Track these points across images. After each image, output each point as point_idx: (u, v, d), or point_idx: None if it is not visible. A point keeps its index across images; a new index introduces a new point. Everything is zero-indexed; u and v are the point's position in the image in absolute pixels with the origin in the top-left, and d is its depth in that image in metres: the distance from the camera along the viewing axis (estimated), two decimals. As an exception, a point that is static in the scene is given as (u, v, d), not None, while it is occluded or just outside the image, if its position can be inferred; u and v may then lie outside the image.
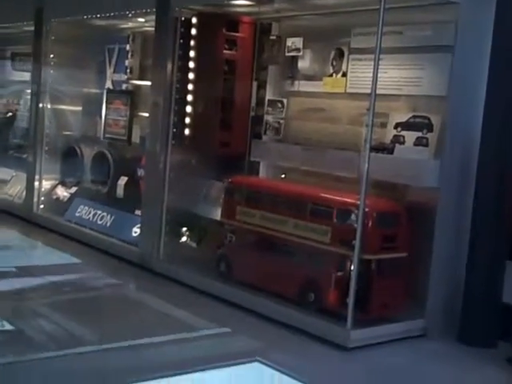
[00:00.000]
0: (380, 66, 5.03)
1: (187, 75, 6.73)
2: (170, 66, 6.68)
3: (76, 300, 5.97)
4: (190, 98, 6.73)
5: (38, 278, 6.24)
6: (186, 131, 6.76)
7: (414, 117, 5.62)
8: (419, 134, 5.54)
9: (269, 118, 6.78)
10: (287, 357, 4.71)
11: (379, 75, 5.03)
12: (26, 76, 9.50)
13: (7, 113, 10.46)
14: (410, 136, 5.59)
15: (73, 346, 4.65)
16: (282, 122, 6.69)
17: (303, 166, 6.27)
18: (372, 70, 5.02)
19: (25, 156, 9.18)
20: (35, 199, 8.76)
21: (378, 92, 5.02)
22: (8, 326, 4.97)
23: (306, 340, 5.07)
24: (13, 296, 5.81)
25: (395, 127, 5.71)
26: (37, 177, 8.80)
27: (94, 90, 8.83)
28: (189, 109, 6.74)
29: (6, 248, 7.46)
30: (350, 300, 4.99)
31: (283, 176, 6.69)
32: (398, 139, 5.67)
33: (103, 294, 6.23)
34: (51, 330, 5.07)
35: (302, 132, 6.57)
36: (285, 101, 6.70)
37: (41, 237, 8.05)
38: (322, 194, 5.64)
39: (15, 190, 9.43)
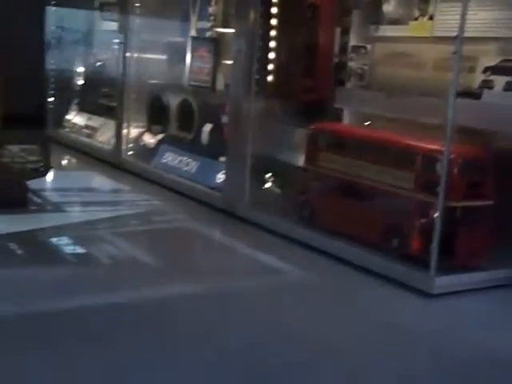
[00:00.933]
0: (469, 8, 4.83)
1: (270, 21, 6.65)
2: (252, 13, 6.60)
3: (157, 239, 6.16)
4: (273, 44, 6.67)
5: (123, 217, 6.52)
6: (269, 78, 6.72)
7: (505, 60, 5.39)
8: (509, 78, 5.31)
9: (352, 64, 6.65)
10: (371, 302, 4.73)
11: (468, 17, 4.83)
12: (114, 26, 9.61)
13: (97, 62, 10.66)
14: (500, 81, 5.37)
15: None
16: (365, 68, 6.55)
17: (387, 113, 6.14)
18: (460, 12, 4.83)
19: (114, 104, 9.39)
20: (123, 146, 8.96)
21: (466, 35, 4.83)
22: (79, 250, 5.34)
23: (388, 285, 5.05)
24: (95, 226, 6.13)
25: (484, 71, 5.50)
26: (125, 124, 8.98)
27: (178, 39, 8.86)
28: (272, 55, 6.68)
29: (94, 191, 7.75)
30: (434, 247, 4.92)
31: (368, 123, 6.58)
32: (486, 84, 5.46)
33: (187, 236, 6.36)
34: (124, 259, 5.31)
35: (387, 78, 6.41)
36: (369, 46, 6.55)
37: (128, 182, 8.26)
38: (407, 141, 5.53)
39: (105, 137, 9.66)
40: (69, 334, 3.84)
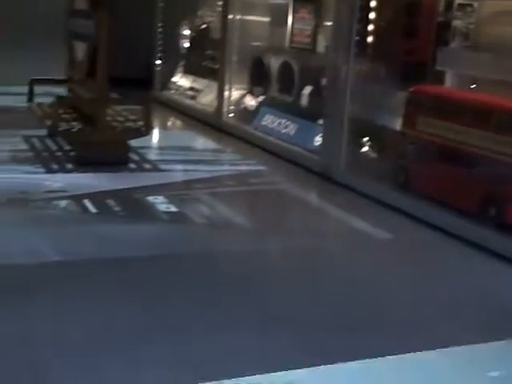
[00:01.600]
0: None
1: (371, -20, 6.42)
2: (353, -28, 6.40)
3: (252, 200, 6.18)
4: (373, 4, 6.44)
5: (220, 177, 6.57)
6: (369, 39, 6.51)
7: None
8: None
9: (457, 23, 6.31)
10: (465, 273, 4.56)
11: None
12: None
13: (201, 25, 10.71)
14: None
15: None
16: (471, 27, 6.20)
17: (494, 76, 5.80)
18: None
19: (217, 66, 9.42)
20: (225, 108, 9.00)
21: None
22: (173, 209, 5.37)
23: (482, 255, 4.83)
24: (193, 186, 6.22)
25: None
26: (227, 86, 9.01)
27: (280, 0, 8.74)
28: (372, 15, 6.46)
29: (193, 151, 7.84)
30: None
31: (473, 86, 6.26)
32: None
33: (281, 198, 6.32)
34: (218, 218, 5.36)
35: (495, 38, 6.05)
36: (476, 4, 6.18)
37: (228, 144, 8.30)
38: (512, 105, 5.22)
39: (208, 99, 9.73)
40: (161, 280, 3.99)
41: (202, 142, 8.50)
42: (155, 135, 7.92)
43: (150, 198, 5.65)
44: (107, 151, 6.52)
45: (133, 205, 5.62)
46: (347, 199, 6.15)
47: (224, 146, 8.29)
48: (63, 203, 5.44)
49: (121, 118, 7.04)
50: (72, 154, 6.72)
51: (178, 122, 9.71)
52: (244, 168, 7.15)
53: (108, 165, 6.43)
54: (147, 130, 6.85)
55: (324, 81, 7.45)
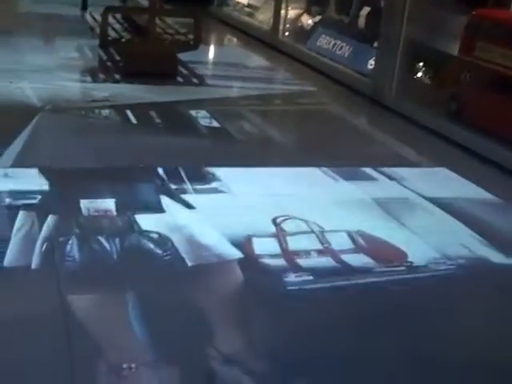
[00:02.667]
0: None
1: None
2: None
3: (297, 120, 6.01)
4: None
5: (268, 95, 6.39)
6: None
7: None
8: None
9: None
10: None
11: None
12: None
13: None
14: None
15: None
16: None
17: None
18: None
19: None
20: (281, 27, 8.72)
21: None
22: (215, 124, 5.28)
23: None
24: (238, 102, 6.12)
25: None
26: (283, 5, 8.70)
27: None
28: None
29: (244, 68, 7.64)
30: None
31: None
32: None
33: (328, 119, 6.12)
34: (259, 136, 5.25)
35: None
36: None
37: (282, 63, 8.07)
38: None
39: (264, 16, 9.45)
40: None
41: (255, 60, 8.29)
42: (208, 50, 7.74)
43: (193, 112, 5.55)
44: (155, 63, 6.39)
45: (174, 118, 5.54)
46: (395, 124, 5.91)
47: (277, 64, 8.07)
48: (106, 112, 5.40)
49: (171, 31, 6.89)
50: (121, 65, 6.63)
51: (234, 39, 9.48)
52: (294, 88, 6.96)
53: (155, 77, 6.31)
54: (196, 44, 6.69)
55: (382, 2, 7.10)
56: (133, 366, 2.40)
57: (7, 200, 3.69)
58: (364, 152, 5.17)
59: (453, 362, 2.55)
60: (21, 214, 3.53)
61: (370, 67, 6.92)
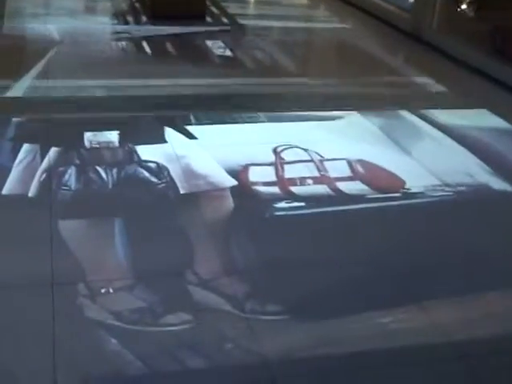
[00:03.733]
0: None
1: None
2: None
3: (330, 54, 5.98)
4: None
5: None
6: None
7: None
8: None
9: None
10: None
11: None
12: None
13: None
14: None
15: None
16: None
17: None
18: None
19: None
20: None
21: None
22: (228, 53, 5.40)
23: None
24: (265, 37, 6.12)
25: None
26: None
27: None
28: None
29: (281, 6, 7.60)
30: None
31: None
32: None
33: (364, 54, 6.04)
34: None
35: None
36: None
37: (321, 1, 7.99)
38: None
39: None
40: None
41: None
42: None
43: (209, 43, 5.64)
44: (183, 3, 6.43)
45: (190, 48, 5.63)
46: (432, 62, 5.77)
47: (316, 2, 7.97)
48: (123, 44, 5.58)
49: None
50: (147, 6, 6.70)
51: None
52: (330, 25, 6.90)
53: (183, 18, 6.37)
54: None
55: None
56: (111, 290, 2.53)
57: (13, 132, 3.90)
58: (397, 93, 5.08)
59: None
60: (25, 146, 3.71)
61: (410, 0, 6.78)
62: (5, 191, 3.22)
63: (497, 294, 2.50)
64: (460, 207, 3.13)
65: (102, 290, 2.51)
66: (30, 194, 3.21)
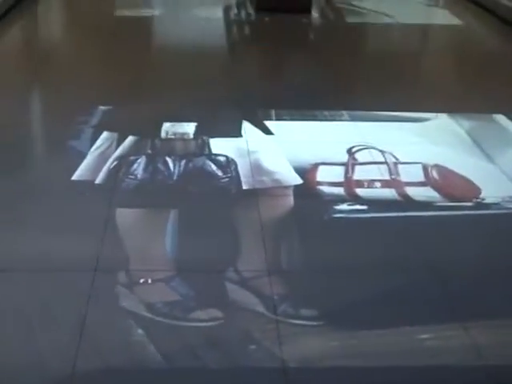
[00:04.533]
0: None
1: None
2: None
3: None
4: None
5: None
6: None
7: None
8: None
9: None
10: None
11: None
12: None
13: None
14: None
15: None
16: None
17: None
18: None
19: None
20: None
21: None
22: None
23: None
24: None
25: None
26: None
27: None
28: None
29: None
30: None
31: None
32: None
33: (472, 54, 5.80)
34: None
35: None
36: None
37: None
38: None
39: None
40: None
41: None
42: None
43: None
44: None
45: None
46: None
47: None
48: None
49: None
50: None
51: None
52: (437, 21, 6.68)
53: (291, 11, 6.37)
54: None
55: None
56: (149, 280, 2.57)
57: (97, 119, 4.05)
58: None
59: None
60: (104, 134, 3.83)
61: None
62: (74, 177, 3.34)
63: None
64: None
65: (141, 280, 2.54)
66: (96, 181, 3.31)
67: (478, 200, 3.03)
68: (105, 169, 3.44)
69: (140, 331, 2.27)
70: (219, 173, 3.38)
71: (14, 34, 5.93)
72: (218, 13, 6.55)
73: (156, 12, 6.69)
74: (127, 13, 6.63)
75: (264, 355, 2.15)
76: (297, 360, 2.12)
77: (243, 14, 6.62)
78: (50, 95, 4.54)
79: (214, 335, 2.25)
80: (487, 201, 3.03)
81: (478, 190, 3.10)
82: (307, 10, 6.55)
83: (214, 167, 3.43)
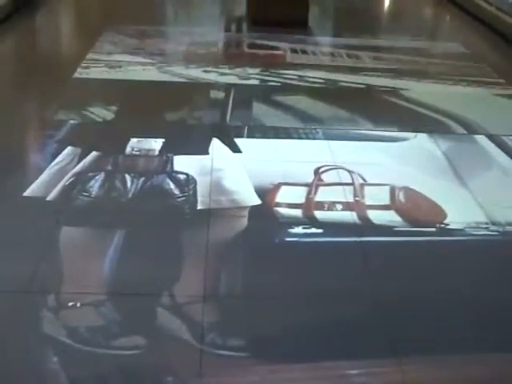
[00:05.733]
0: None
1: None
2: None
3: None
4: None
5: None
6: None
7: None
8: None
9: None
10: None
11: None
12: None
13: None
14: None
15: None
16: None
17: None
18: None
19: None
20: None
21: None
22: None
23: None
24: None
25: None
26: None
27: None
28: None
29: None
30: None
31: None
32: None
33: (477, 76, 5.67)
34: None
35: None
36: None
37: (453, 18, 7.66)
38: None
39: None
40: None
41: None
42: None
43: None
44: (284, 9, 6.36)
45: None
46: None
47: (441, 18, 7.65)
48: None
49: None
50: (248, 13, 6.71)
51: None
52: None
53: (287, 26, 6.32)
54: None
55: None
56: (78, 304, 2.49)
57: (63, 134, 4.01)
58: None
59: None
60: (67, 149, 3.78)
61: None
62: (26, 193, 3.29)
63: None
64: (499, 251, 2.80)
65: (70, 304, 2.47)
66: (48, 198, 3.26)
67: (442, 225, 2.92)
68: (60, 185, 3.38)
69: (55, 358, 2.19)
70: (176, 191, 3.30)
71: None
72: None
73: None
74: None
75: (180, 386, 2.06)
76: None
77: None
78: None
79: (131, 364, 2.17)
80: (451, 226, 2.92)
81: (443, 215, 2.99)
82: (304, 23, 6.51)
83: (172, 186, 3.36)
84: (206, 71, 5.18)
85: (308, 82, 5.01)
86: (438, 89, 4.99)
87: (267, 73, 5.19)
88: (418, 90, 4.90)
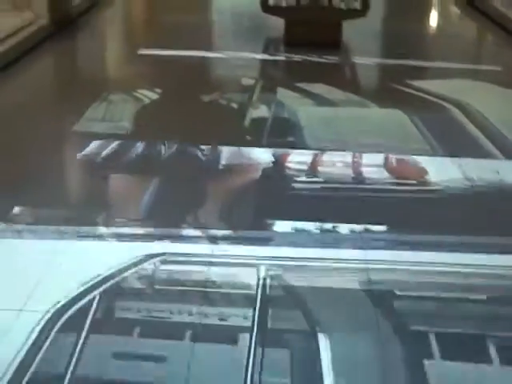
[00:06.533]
0: None
1: None
2: None
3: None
4: None
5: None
6: None
7: None
8: None
9: None
10: None
11: None
12: None
13: None
14: None
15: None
16: None
17: None
18: None
19: None
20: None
21: None
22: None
23: None
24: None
25: None
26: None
27: None
28: None
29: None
30: None
31: None
32: None
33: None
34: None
35: None
36: None
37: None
38: None
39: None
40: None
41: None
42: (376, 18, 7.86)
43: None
44: (317, 32, 6.70)
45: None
46: None
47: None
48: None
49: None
50: (283, 34, 6.98)
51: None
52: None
53: (319, 46, 6.65)
54: (364, 11, 6.81)
55: None
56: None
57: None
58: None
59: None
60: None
61: None
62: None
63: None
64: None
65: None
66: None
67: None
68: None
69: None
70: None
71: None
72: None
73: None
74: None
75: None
76: None
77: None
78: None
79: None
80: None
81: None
82: (337, 43, 6.88)
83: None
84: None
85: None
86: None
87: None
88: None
